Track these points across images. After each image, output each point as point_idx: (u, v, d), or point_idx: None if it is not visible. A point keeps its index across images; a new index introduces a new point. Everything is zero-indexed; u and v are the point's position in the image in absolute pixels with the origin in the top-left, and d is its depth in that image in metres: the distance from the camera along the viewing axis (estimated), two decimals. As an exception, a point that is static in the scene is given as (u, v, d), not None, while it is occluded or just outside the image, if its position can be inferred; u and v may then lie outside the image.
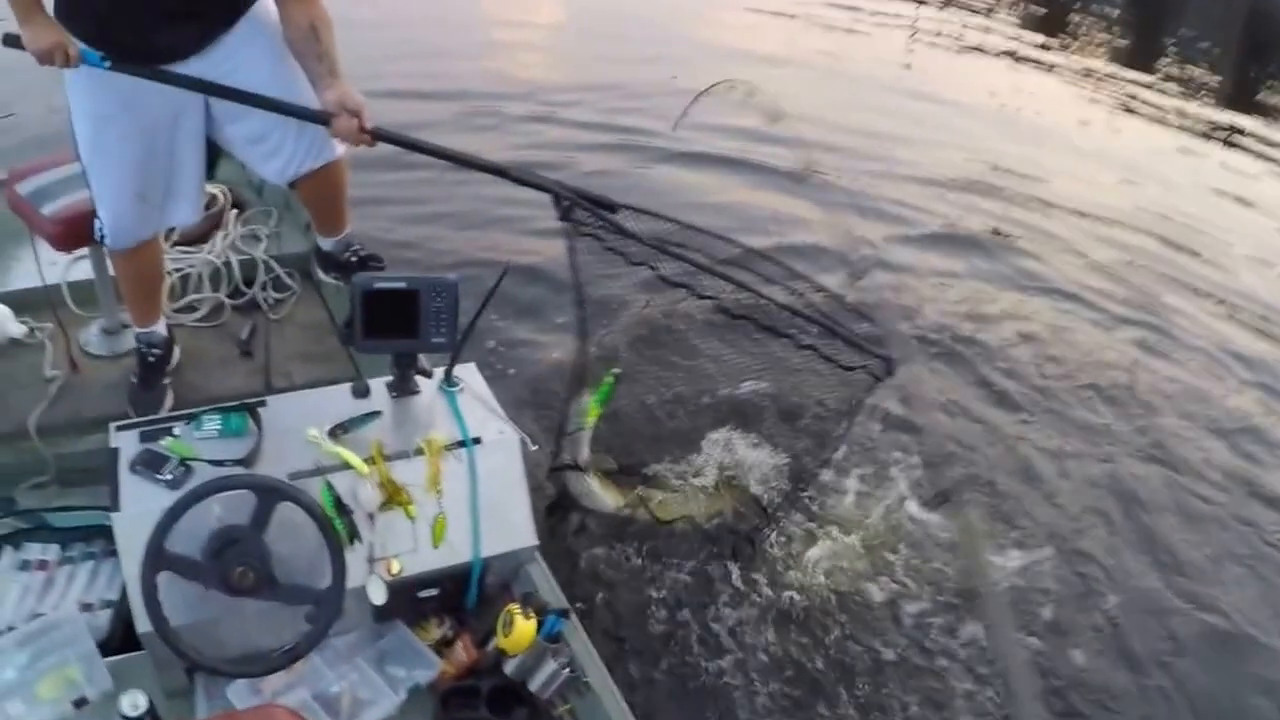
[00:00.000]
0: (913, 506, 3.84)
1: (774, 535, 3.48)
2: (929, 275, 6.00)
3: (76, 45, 2.32)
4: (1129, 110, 11.14)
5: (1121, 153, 9.37)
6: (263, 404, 2.42)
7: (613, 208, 2.76)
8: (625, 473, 3.48)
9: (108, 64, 2.35)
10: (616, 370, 3.32)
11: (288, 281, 3.43)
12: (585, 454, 3.30)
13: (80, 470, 2.76)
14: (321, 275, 3.23)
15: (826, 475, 3.56)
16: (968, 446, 4.36)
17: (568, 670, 2.24)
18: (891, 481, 3.91)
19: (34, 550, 2.58)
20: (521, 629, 2.20)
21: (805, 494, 3.58)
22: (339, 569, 2.12)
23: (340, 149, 2.83)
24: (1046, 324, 5.64)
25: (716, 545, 3.41)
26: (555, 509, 3.35)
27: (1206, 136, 10.72)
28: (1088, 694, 3.23)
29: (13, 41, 2.35)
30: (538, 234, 5.14)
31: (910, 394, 4.44)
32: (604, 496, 3.29)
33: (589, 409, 3.26)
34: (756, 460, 3.68)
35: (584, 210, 2.68)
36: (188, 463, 2.24)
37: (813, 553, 3.46)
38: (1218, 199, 8.61)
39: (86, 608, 2.45)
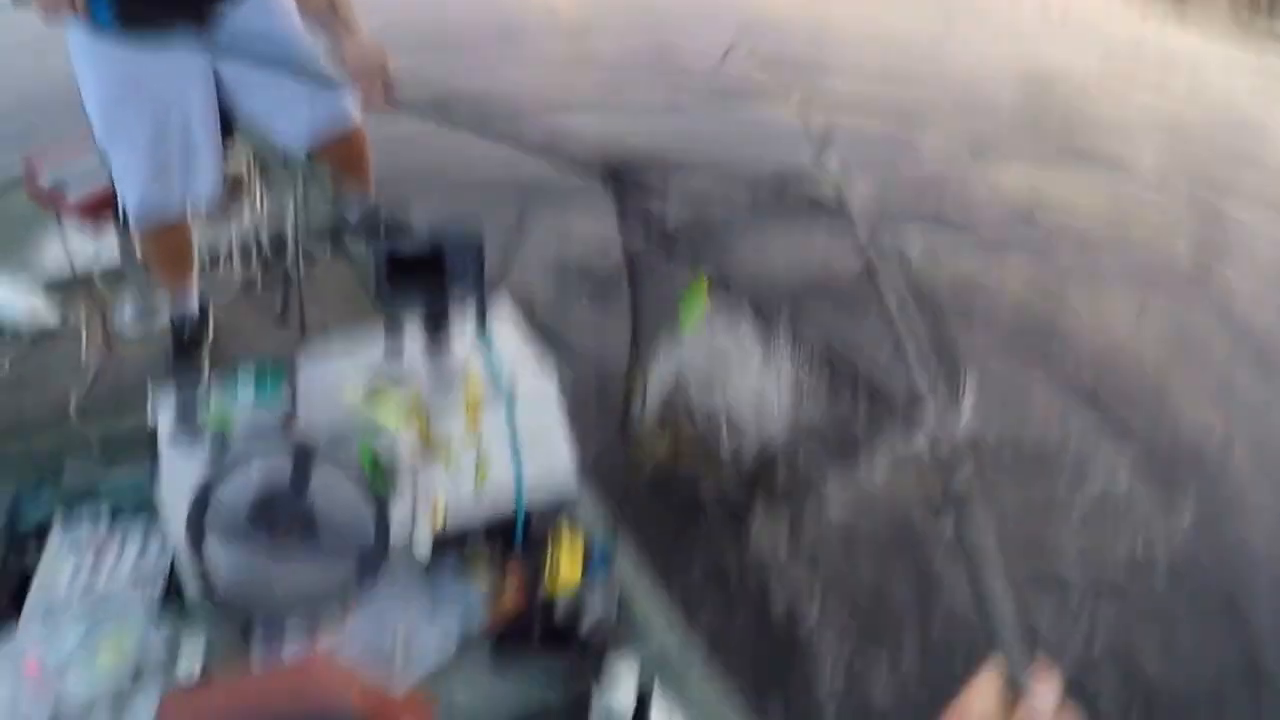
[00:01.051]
0: (974, 422, 3.70)
1: (827, 458, 3.42)
2: (981, 184, 5.87)
3: None
4: (1183, 18, 10.82)
5: (1176, 58, 9.09)
6: (296, 367, 2.41)
7: (664, 187, 2.70)
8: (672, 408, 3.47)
9: (119, 23, 2.33)
10: (703, 276, 3.22)
11: (317, 250, 3.42)
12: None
13: (124, 448, 2.78)
14: (350, 241, 3.23)
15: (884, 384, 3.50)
16: (1033, 345, 4.25)
17: (618, 603, 2.23)
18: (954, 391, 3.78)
19: (84, 527, 2.60)
20: (569, 563, 2.20)
21: (859, 408, 3.50)
22: (382, 522, 2.10)
23: (357, 114, 2.80)
24: (1107, 218, 5.53)
25: (766, 475, 3.37)
26: (600, 449, 3.33)
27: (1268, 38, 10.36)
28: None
29: (21, 1, 2.29)
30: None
31: (968, 289, 4.38)
32: (655, 439, 3.29)
33: (684, 319, 3.22)
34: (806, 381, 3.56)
35: (635, 191, 2.65)
36: (225, 430, 2.24)
37: (870, 475, 3.39)
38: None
39: (139, 578, 2.46)
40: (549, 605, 2.27)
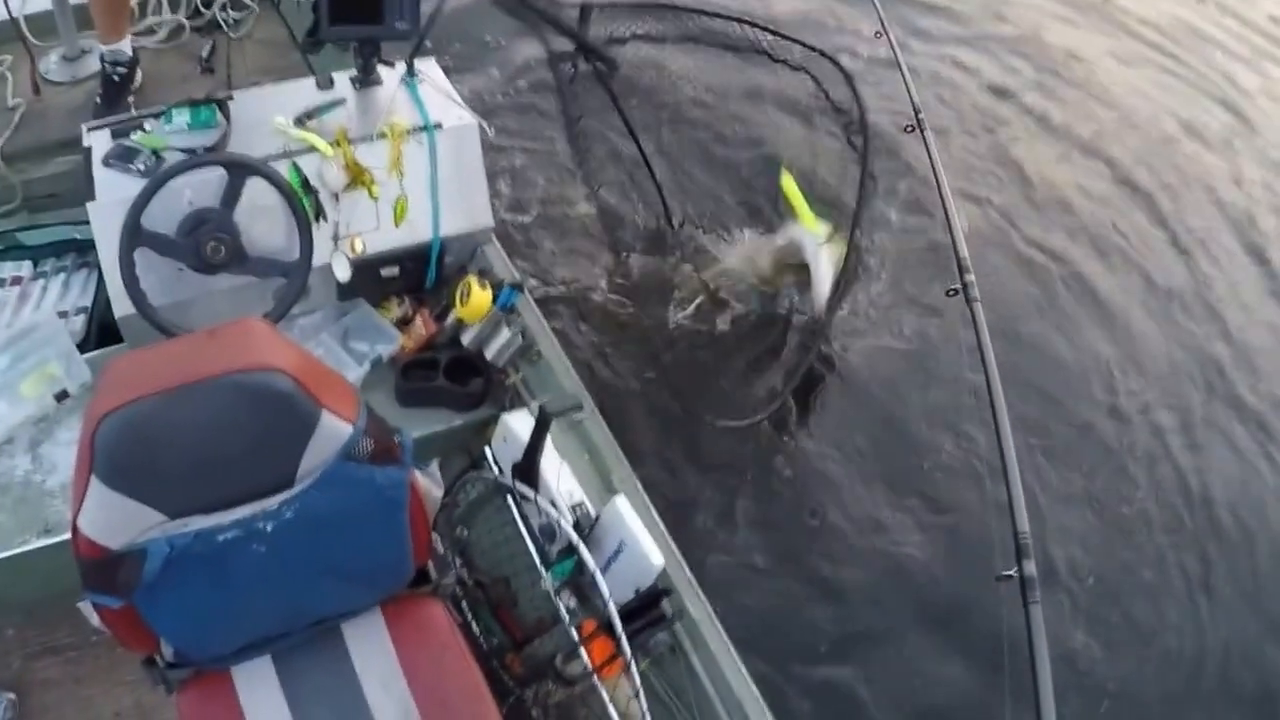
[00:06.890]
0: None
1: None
2: None
3: None
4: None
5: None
6: (230, 98, 2.34)
7: None
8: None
9: None
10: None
11: (246, 0, 3.28)
12: None
13: (47, 195, 2.71)
14: None
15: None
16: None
17: (521, 339, 2.26)
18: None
19: (7, 268, 2.55)
20: (478, 297, 2.20)
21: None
22: (306, 242, 2.10)
23: None
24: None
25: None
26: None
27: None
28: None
29: None
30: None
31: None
32: None
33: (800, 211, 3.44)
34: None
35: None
36: (159, 154, 2.19)
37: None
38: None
39: (62, 315, 2.43)
40: (457, 338, 2.31)
